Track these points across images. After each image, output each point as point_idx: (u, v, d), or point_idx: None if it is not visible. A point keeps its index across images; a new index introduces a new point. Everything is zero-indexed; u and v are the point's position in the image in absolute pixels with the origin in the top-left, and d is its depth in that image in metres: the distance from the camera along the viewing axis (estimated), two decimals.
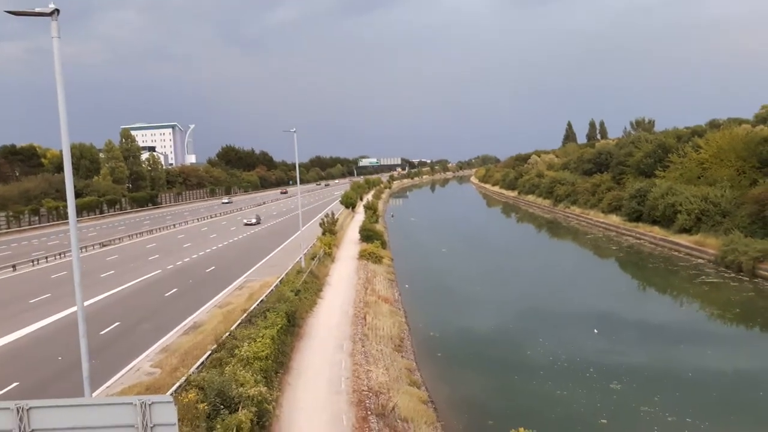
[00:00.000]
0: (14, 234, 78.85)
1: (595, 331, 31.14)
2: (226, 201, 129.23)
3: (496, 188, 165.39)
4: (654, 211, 62.64)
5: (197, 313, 31.03)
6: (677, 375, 25.72)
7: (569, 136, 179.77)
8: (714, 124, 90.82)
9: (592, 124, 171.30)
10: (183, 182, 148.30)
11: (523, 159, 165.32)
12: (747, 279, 42.52)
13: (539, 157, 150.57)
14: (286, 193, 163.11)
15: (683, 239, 55.35)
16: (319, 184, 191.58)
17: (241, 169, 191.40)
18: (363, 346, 26.05)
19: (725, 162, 61.46)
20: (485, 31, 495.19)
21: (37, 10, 12.19)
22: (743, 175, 57.95)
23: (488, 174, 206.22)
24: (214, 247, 56.76)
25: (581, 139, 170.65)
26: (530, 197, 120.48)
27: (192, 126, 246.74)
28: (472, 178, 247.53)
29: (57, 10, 12.19)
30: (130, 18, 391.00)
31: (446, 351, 29.88)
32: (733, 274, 43.98)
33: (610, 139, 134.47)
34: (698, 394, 23.61)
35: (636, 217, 67.37)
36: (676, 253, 54.24)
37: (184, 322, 29.12)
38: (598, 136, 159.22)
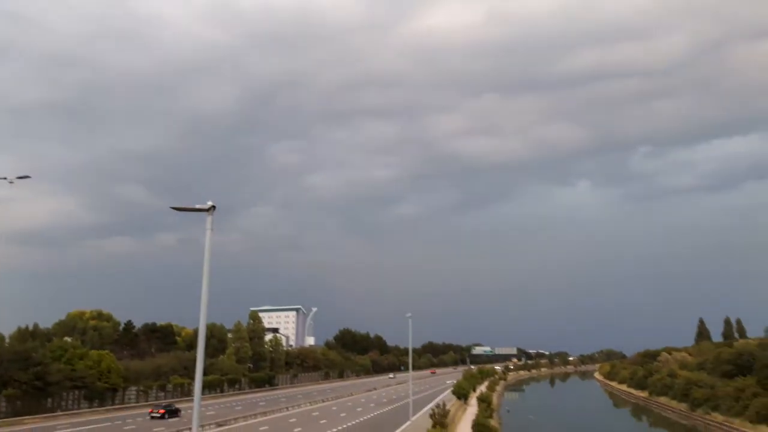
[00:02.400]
0: (142, 408, 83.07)
1: None
2: (392, 376, 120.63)
3: (623, 387, 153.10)
4: None
5: None
6: None
7: (702, 333, 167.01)
8: None
9: (727, 322, 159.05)
10: (300, 364, 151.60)
11: (652, 356, 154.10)
12: None
13: (670, 354, 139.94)
14: (435, 373, 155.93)
15: None
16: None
17: (356, 353, 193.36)
18: None
19: None
20: (601, 223, 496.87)
21: (198, 206, 14.66)
22: None
23: (614, 370, 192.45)
24: None
25: (715, 337, 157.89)
26: (663, 399, 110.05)
27: (314, 309, 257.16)
28: (596, 374, 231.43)
29: (213, 207, 14.60)
30: (269, 212, 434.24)
31: None
32: None
33: (750, 338, 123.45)
34: None
35: None
36: None
37: None
38: (736, 335, 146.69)
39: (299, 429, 59.64)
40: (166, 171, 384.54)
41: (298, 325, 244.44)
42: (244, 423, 65.63)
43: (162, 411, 69.38)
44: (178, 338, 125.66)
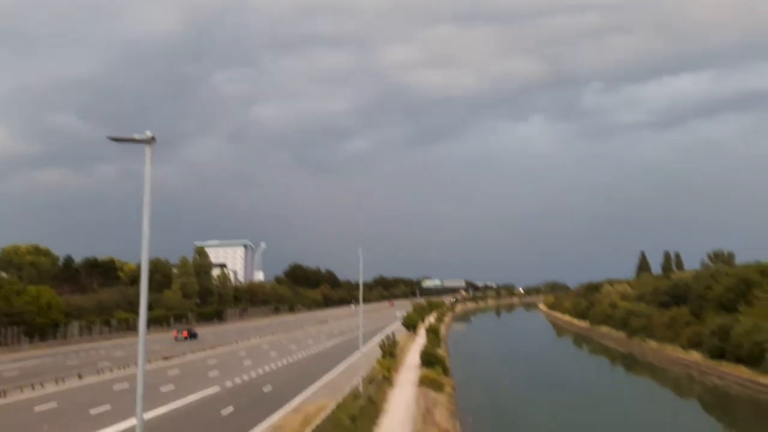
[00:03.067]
0: (85, 343, 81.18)
1: None
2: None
3: (566, 317, 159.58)
4: (739, 349, 58.15)
5: None
6: None
7: (643, 266, 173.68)
8: None
9: (666, 255, 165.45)
10: (249, 299, 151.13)
11: (594, 288, 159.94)
12: None
13: (612, 286, 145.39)
14: (392, 305, 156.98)
15: None
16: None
17: (307, 287, 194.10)
18: None
19: None
20: (551, 158, 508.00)
21: (136, 137, 13.19)
22: None
23: (557, 302, 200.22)
24: (273, 366, 56.27)
25: (655, 269, 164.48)
26: (603, 328, 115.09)
27: (263, 245, 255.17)
28: (540, 305, 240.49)
29: (153, 138, 13.18)
30: (215, 145, 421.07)
31: None
32: None
33: (687, 271, 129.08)
34: None
35: (718, 355, 62.64)
36: (766, 396, 49.47)
37: None
38: (674, 268, 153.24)
39: (249, 361, 59.30)
40: (103, 100, 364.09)
41: (247, 261, 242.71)
42: (193, 357, 64.85)
43: (186, 333, 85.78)
44: (120, 273, 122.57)
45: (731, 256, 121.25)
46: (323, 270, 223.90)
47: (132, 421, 16.02)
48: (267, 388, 43.76)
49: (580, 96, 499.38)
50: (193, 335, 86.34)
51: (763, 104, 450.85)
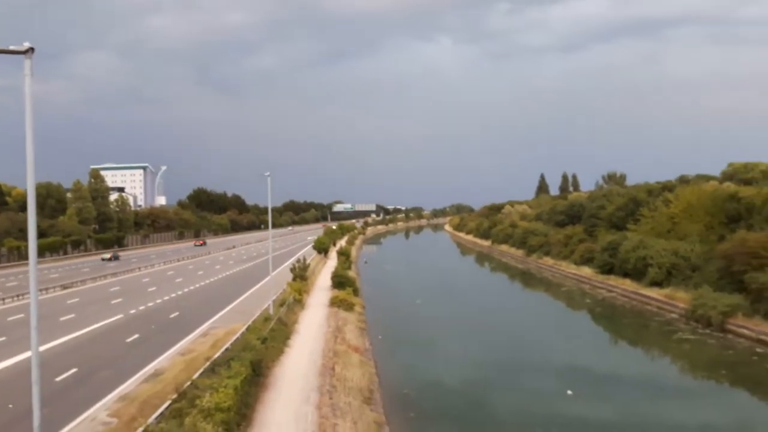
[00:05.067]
0: None
1: (569, 392, 30.49)
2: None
3: (470, 237, 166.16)
4: (625, 264, 63.00)
5: (158, 360, 29.67)
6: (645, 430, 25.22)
7: (542, 187, 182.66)
8: (683, 180, 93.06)
9: (564, 177, 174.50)
10: (151, 224, 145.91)
11: (497, 209, 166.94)
12: (716, 333, 42.56)
13: (513, 207, 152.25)
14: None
15: (654, 293, 55.55)
16: (292, 229, 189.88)
17: (212, 212, 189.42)
18: (330, 398, 25.01)
19: (694, 217, 62.48)
20: (459, 81, 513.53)
21: (12, 48, 11.74)
22: (711, 231, 58.84)
23: (462, 223, 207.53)
24: (179, 292, 55.17)
25: (554, 191, 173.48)
26: (504, 247, 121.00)
27: (163, 167, 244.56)
28: (447, 226, 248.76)
29: (32, 49, 11.79)
30: (105, 59, 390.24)
31: (417, 404, 28.98)
32: (702, 329, 44.00)
33: (583, 191, 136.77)
34: None
35: (608, 270, 67.66)
36: (648, 307, 54.32)
37: (144, 370, 27.77)
38: (571, 189, 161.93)
39: (154, 288, 57.80)
40: None
41: (147, 185, 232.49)
42: (93, 284, 62.39)
43: (110, 256, 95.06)
44: (8, 198, 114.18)
45: (623, 177, 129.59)
46: (230, 194, 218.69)
47: (29, 354, 15.28)
48: (174, 314, 43.00)
49: (487, 17, 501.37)
50: (115, 257, 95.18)
51: (659, 31, 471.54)
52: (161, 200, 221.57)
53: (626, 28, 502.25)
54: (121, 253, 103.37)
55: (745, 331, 40.98)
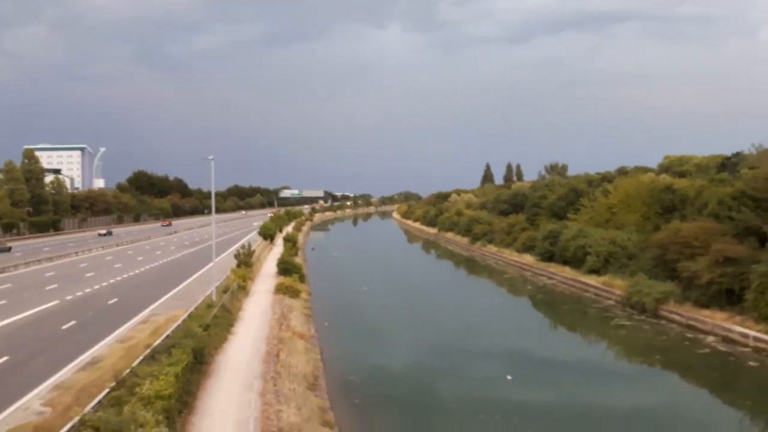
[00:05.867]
0: None
1: (509, 377, 31.30)
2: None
3: (417, 224, 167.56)
4: (565, 252, 64.87)
5: (96, 348, 28.77)
6: (582, 413, 26.14)
7: (487, 176, 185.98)
8: (622, 171, 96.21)
9: (509, 167, 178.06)
10: (89, 208, 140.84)
11: (443, 197, 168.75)
12: (649, 319, 44.41)
13: (459, 195, 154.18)
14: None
15: (592, 280, 57.44)
16: (245, 213, 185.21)
17: (153, 196, 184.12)
18: (274, 385, 24.84)
19: (632, 207, 64.76)
20: (409, 70, 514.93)
21: None
22: (648, 221, 61.15)
23: (410, 210, 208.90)
24: (119, 278, 53.55)
25: (499, 180, 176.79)
26: (449, 234, 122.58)
27: (102, 149, 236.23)
28: (394, 214, 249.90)
29: None
30: (39, 34, 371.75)
31: (362, 390, 29.15)
32: (637, 315, 45.81)
33: (526, 181, 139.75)
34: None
35: (548, 257, 69.53)
36: (586, 294, 56.13)
37: (80, 358, 26.92)
38: (515, 178, 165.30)
39: (92, 273, 55.89)
40: None
41: (84, 167, 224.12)
42: (26, 270, 59.85)
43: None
44: None
45: (565, 168, 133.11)
46: (172, 177, 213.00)
47: None
48: (113, 300, 41.73)
49: (436, 6, 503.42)
50: (109, 233, 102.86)
51: (603, 26, 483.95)
52: (99, 183, 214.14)
53: (571, 22, 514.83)
54: (58, 237, 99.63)
55: (677, 317, 42.92)
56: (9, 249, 79.92)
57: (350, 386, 29.66)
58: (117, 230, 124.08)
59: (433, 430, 25.45)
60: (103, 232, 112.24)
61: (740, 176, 56.79)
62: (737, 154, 78.94)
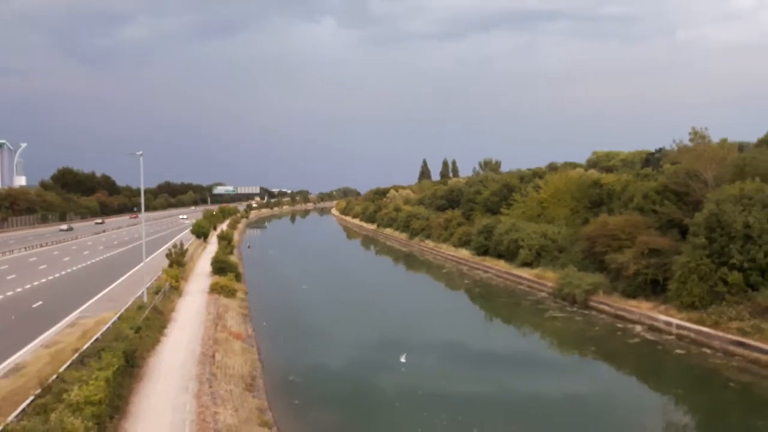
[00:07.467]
0: None
1: (402, 358, 32.08)
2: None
3: (356, 221, 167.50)
4: (499, 246, 66.40)
5: (19, 354, 27.40)
6: (522, 404, 26.87)
7: (425, 173, 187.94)
8: (552, 167, 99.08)
9: (445, 163, 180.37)
10: (9, 207, 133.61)
11: (382, 193, 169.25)
12: (580, 310, 46.04)
13: (397, 191, 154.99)
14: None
15: (525, 272, 59.03)
16: (194, 208, 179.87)
17: (79, 194, 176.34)
18: (210, 387, 24.32)
19: (562, 202, 66.89)
20: (344, 65, 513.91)
21: None
22: (577, 214, 63.33)
23: (349, 207, 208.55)
24: (43, 280, 51.05)
25: (435, 176, 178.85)
26: (388, 230, 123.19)
27: (23, 145, 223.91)
28: (333, 210, 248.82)
29: None
30: None
31: (302, 390, 28.92)
32: (568, 306, 47.39)
33: (462, 177, 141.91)
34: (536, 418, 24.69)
35: (483, 251, 71.00)
36: (520, 286, 57.63)
37: (2, 365, 25.59)
38: (451, 174, 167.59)
39: (13, 276, 53.05)
40: None
41: (4, 163, 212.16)
42: None
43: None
44: None
45: (498, 164, 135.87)
46: (99, 174, 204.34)
47: None
48: (37, 304, 39.79)
49: (369, 1, 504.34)
50: (70, 228, 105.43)
51: (533, 24, 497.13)
52: (21, 181, 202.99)
53: (502, 20, 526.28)
54: None
55: (606, 308, 44.66)
56: (72, 229, 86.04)
57: (290, 386, 29.38)
58: (40, 231, 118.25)
59: (373, 427, 25.48)
60: (65, 227, 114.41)
61: (663, 171, 59.46)
62: (660, 150, 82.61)
